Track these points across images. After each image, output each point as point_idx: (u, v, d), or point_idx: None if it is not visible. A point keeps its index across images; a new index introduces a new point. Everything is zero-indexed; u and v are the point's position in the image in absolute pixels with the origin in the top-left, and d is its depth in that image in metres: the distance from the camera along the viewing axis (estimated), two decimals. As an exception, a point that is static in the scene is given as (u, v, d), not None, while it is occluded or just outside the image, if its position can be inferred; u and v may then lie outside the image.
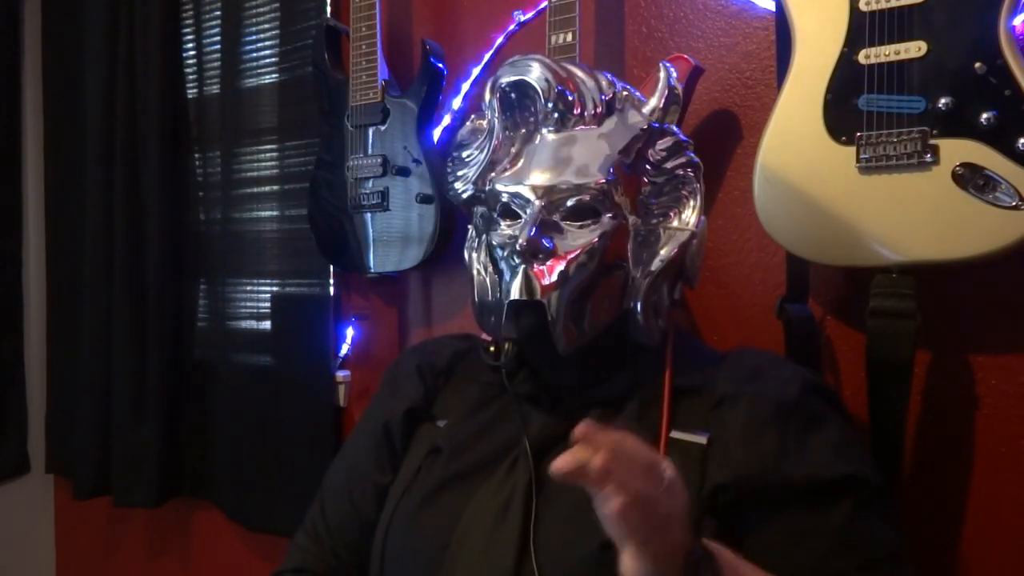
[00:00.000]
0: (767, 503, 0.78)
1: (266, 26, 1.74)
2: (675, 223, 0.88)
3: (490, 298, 0.90)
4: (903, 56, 0.89)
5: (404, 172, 1.38)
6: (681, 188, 0.89)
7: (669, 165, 0.89)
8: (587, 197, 0.84)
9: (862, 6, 0.92)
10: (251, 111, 1.77)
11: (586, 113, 0.87)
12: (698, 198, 0.89)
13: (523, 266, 0.83)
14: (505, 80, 0.88)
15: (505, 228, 0.87)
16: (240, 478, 1.74)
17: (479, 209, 0.94)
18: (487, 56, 1.41)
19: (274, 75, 1.73)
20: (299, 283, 1.72)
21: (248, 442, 1.73)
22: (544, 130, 0.88)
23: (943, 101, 0.87)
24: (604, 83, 0.89)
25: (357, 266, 1.47)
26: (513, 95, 0.88)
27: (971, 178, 0.86)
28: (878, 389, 0.96)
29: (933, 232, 0.88)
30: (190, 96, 1.89)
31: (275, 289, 1.76)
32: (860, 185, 0.92)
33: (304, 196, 1.56)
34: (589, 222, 0.84)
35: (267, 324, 1.77)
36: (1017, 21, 0.88)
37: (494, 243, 0.87)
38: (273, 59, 1.72)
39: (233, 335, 1.82)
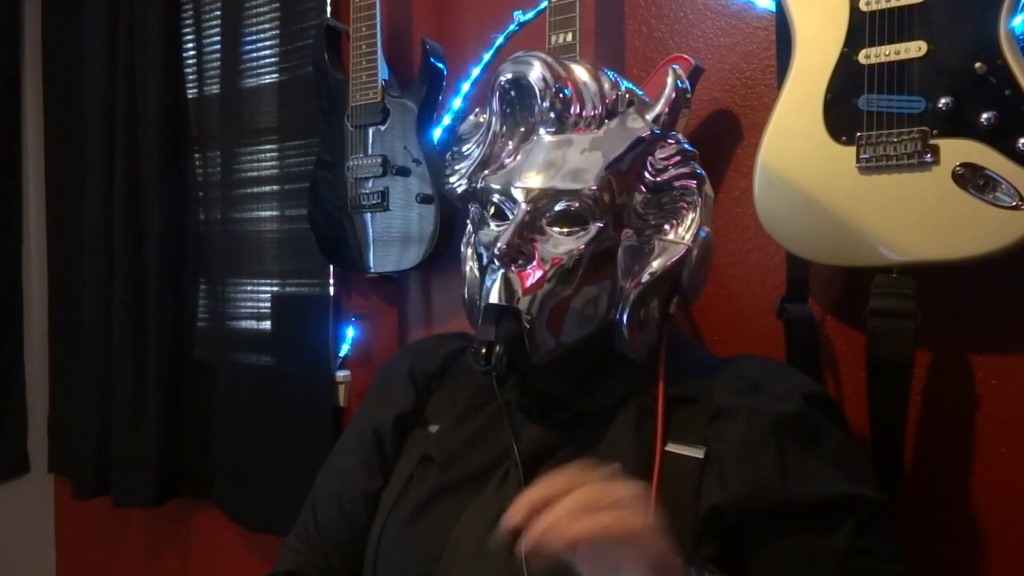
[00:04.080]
0: (767, 525, 0.76)
1: (266, 26, 1.74)
2: (671, 236, 0.84)
3: (475, 298, 0.89)
4: (903, 56, 0.89)
5: (404, 172, 1.38)
6: (680, 200, 0.85)
7: (669, 175, 0.85)
8: (576, 204, 0.81)
9: (862, 6, 0.92)
10: (251, 111, 1.77)
11: (584, 114, 0.84)
12: (698, 211, 0.85)
13: (502, 270, 0.81)
14: (504, 76, 0.86)
15: (493, 228, 0.85)
16: (240, 478, 1.74)
17: (473, 206, 0.92)
18: (487, 56, 1.41)
19: (274, 75, 1.72)
20: (299, 283, 1.72)
21: (248, 442, 1.73)
22: (541, 130, 0.85)
23: (943, 101, 0.87)
24: (607, 84, 0.85)
25: (357, 266, 1.47)
26: (513, 92, 0.86)
27: (971, 178, 0.86)
28: (878, 389, 0.96)
29: (933, 232, 0.88)
30: (190, 96, 1.89)
31: (275, 289, 1.76)
32: (860, 185, 0.92)
33: (304, 196, 1.56)
34: (577, 229, 0.81)
35: (267, 324, 1.77)
36: (1017, 21, 0.88)
37: (481, 242, 0.86)
38: (273, 59, 1.72)
39: (233, 335, 1.82)
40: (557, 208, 0.81)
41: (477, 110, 0.93)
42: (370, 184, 1.41)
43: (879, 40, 0.91)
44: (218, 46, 1.82)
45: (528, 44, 1.35)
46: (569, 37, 1.14)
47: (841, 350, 1.09)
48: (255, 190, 1.78)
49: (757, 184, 0.99)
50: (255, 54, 1.76)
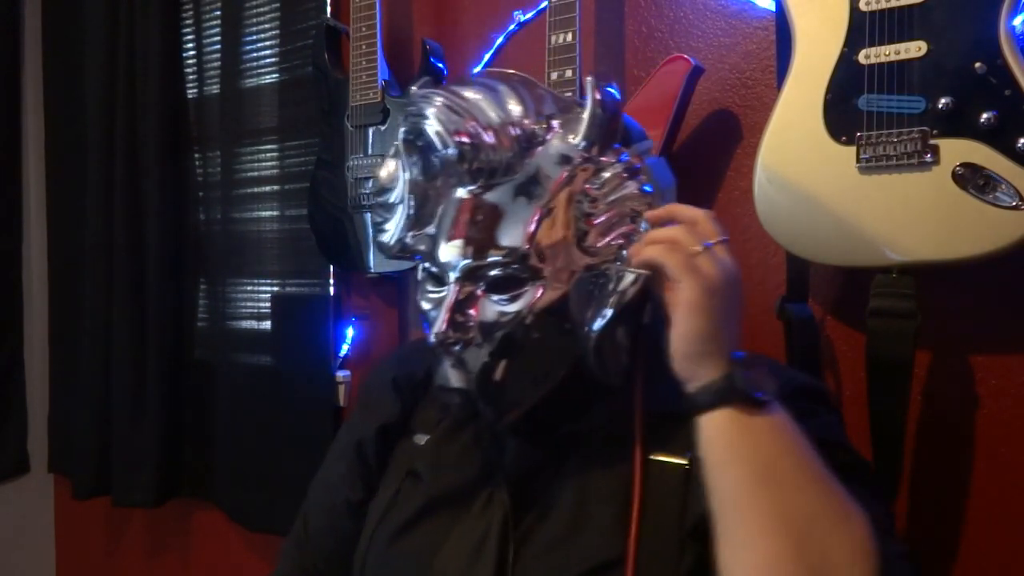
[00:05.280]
0: None
1: (266, 26, 1.74)
2: (627, 264, 0.74)
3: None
4: (903, 56, 0.89)
5: (404, 172, 1.38)
6: (633, 222, 0.74)
7: (614, 198, 0.74)
8: (509, 268, 0.73)
9: (862, 6, 0.92)
10: (251, 111, 1.77)
11: (496, 159, 0.72)
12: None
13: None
14: (404, 128, 0.77)
15: (430, 293, 0.78)
16: (240, 478, 1.74)
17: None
18: (487, 56, 1.41)
19: (274, 75, 1.73)
20: (299, 283, 1.72)
21: (248, 442, 1.73)
22: (458, 187, 0.75)
23: (943, 101, 0.87)
24: (516, 113, 0.73)
25: (357, 266, 1.47)
26: (419, 143, 0.75)
27: (971, 178, 0.86)
28: (878, 389, 0.96)
29: (933, 232, 0.88)
30: (190, 96, 1.90)
31: (275, 289, 1.76)
32: (860, 185, 0.92)
33: (304, 196, 1.56)
34: (515, 292, 0.73)
35: (267, 324, 1.77)
36: (1017, 21, 0.88)
37: (421, 307, 0.79)
38: (273, 59, 1.72)
39: (233, 335, 1.82)
40: (491, 274, 0.74)
41: (392, 154, 0.81)
42: (370, 184, 1.41)
43: (879, 40, 0.91)
44: (218, 46, 1.82)
45: (528, 44, 1.35)
46: (569, 37, 1.14)
47: (841, 350, 1.09)
48: (255, 190, 1.78)
49: (757, 184, 0.99)
50: (255, 54, 1.76)
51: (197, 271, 1.90)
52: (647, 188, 0.75)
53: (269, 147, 1.75)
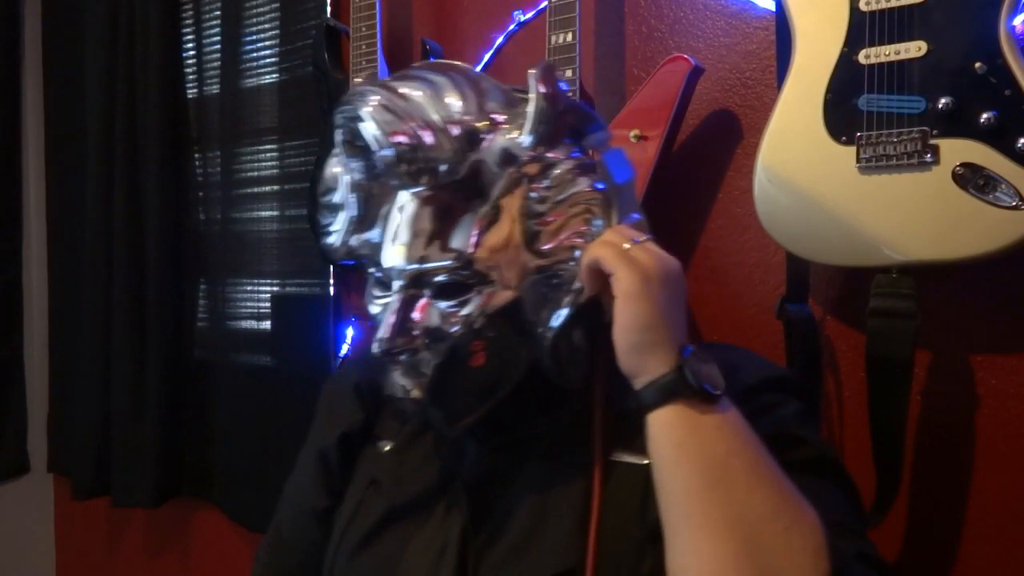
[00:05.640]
0: None
1: (266, 26, 1.74)
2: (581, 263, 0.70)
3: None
4: (903, 56, 0.89)
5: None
6: (588, 217, 0.70)
7: (564, 197, 0.70)
8: (455, 274, 0.69)
9: (862, 6, 0.92)
10: (251, 111, 1.77)
11: (435, 161, 0.69)
12: (612, 222, 0.70)
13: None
14: (339, 128, 0.73)
15: (376, 299, 0.75)
16: (240, 478, 1.74)
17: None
18: (487, 56, 1.41)
19: (274, 75, 1.73)
20: (299, 283, 1.72)
21: (248, 442, 1.73)
22: (400, 189, 0.72)
23: (943, 101, 0.87)
24: (456, 109, 0.69)
25: (357, 266, 1.47)
26: (358, 143, 0.72)
27: (971, 178, 0.86)
28: (878, 389, 0.96)
29: (933, 232, 0.88)
30: (190, 96, 1.90)
31: (275, 289, 1.76)
32: (860, 185, 0.92)
33: (304, 196, 1.56)
34: (463, 297, 0.70)
35: (267, 324, 1.77)
36: (1017, 21, 0.88)
37: (371, 312, 0.76)
38: (273, 59, 1.73)
39: (233, 335, 1.82)
40: (436, 280, 0.70)
41: (336, 151, 0.77)
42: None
43: (879, 40, 0.91)
44: (218, 46, 1.82)
45: (528, 44, 1.35)
46: (569, 37, 1.14)
47: (841, 350, 1.09)
48: (255, 190, 1.78)
49: (757, 184, 0.99)
50: (255, 54, 1.76)
51: (197, 271, 1.90)
52: (599, 185, 0.70)
53: (269, 147, 1.75)
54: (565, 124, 0.71)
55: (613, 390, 0.73)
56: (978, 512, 1.00)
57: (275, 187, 1.74)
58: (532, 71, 0.69)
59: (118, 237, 1.90)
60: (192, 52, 1.89)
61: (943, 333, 1.01)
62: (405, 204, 0.71)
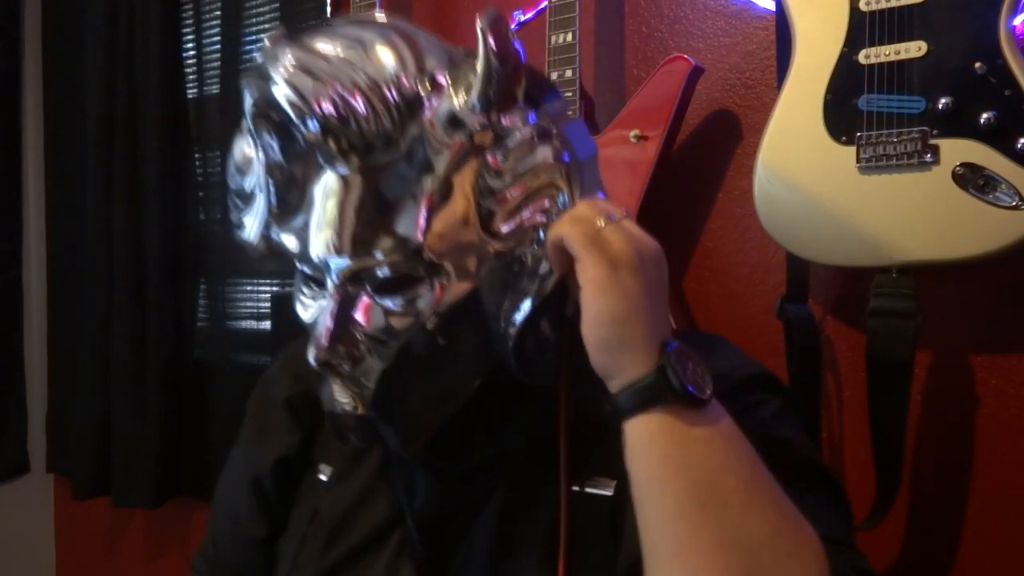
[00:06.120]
0: None
1: (266, 26, 1.74)
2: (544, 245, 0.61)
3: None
4: (903, 56, 0.89)
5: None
6: (552, 193, 0.60)
7: (524, 168, 0.60)
8: (399, 266, 0.60)
9: (862, 6, 0.92)
10: (251, 111, 1.77)
11: (368, 132, 0.57)
12: (575, 199, 0.60)
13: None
14: (249, 99, 0.61)
15: (308, 298, 0.65)
16: (240, 478, 1.74)
17: None
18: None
19: (274, 75, 1.72)
20: (299, 283, 1.72)
21: (248, 442, 1.72)
22: (327, 168, 0.60)
23: (943, 101, 0.87)
24: (390, 69, 0.58)
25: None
26: (272, 116, 0.59)
27: (971, 178, 0.86)
28: (878, 389, 0.96)
29: (933, 232, 0.88)
30: (190, 96, 1.89)
31: (275, 289, 1.76)
32: (860, 185, 0.92)
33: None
34: (411, 293, 0.61)
35: (267, 324, 1.77)
36: (1017, 21, 0.88)
37: (301, 317, 0.67)
38: (273, 59, 1.72)
39: (233, 335, 1.82)
40: (378, 274, 0.60)
41: (247, 135, 0.66)
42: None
43: (879, 40, 0.91)
44: (218, 46, 1.82)
45: (528, 44, 1.34)
46: (569, 37, 1.14)
47: (841, 350, 1.09)
48: (255, 190, 1.78)
49: (757, 184, 0.99)
50: (255, 54, 1.75)
51: (197, 271, 1.89)
52: (566, 157, 0.61)
53: (269, 147, 1.75)
54: (517, 86, 0.60)
55: (580, 393, 0.64)
56: (978, 512, 1.00)
57: (275, 187, 1.73)
58: (480, 23, 0.57)
59: (118, 237, 1.90)
60: (192, 52, 1.89)
61: (943, 333, 1.01)
62: (334, 186, 0.59)
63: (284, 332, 1.73)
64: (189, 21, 1.89)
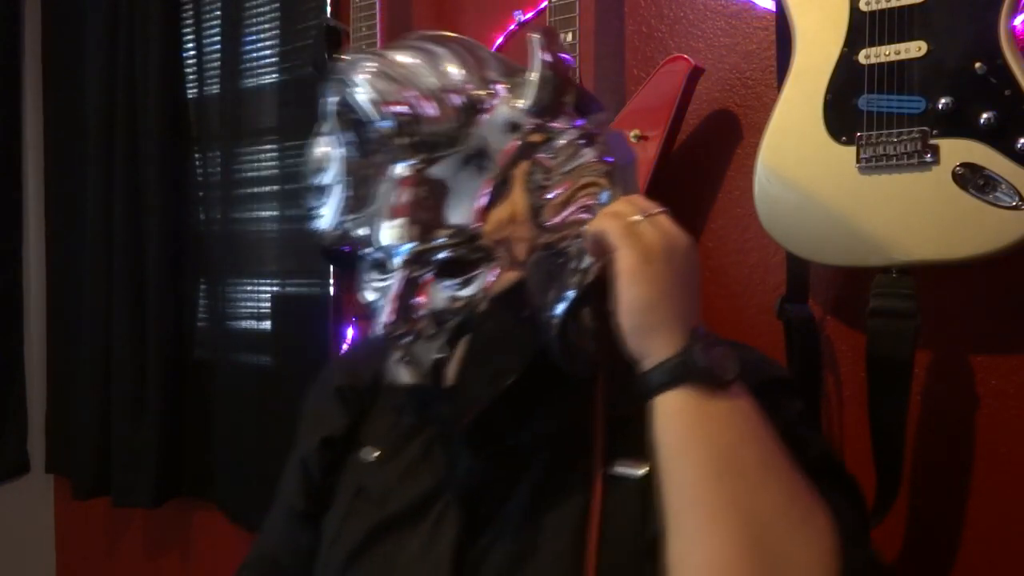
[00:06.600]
0: None
1: (266, 26, 1.74)
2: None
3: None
4: (903, 56, 0.89)
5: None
6: (595, 191, 0.68)
7: (570, 168, 0.68)
8: (458, 250, 0.67)
9: (862, 6, 0.92)
10: (251, 111, 1.77)
11: (438, 131, 0.66)
12: (616, 196, 0.68)
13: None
14: (331, 100, 0.69)
15: (375, 282, 0.71)
16: (240, 478, 1.74)
17: None
18: (487, 56, 1.41)
19: (274, 75, 1.73)
20: (299, 283, 1.72)
21: (248, 442, 1.73)
22: (397, 163, 0.68)
23: (943, 101, 0.87)
24: (457, 78, 0.67)
25: (357, 266, 1.47)
26: (351, 116, 0.69)
27: (971, 178, 0.86)
28: (878, 389, 0.96)
29: (933, 232, 0.88)
30: (190, 96, 1.90)
31: (275, 289, 1.76)
32: (860, 185, 0.92)
33: (304, 196, 1.56)
34: (467, 275, 0.67)
35: (267, 324, 1.77)
36: (1017, 21, 0.88)
37: (367, 298, 0.73)
38: (273, 59, 1.73)
39: (233, 335, 1.82)
40: (438, 257, 0.67)
41: (325, 131, 0.74)
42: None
43: (879, 40, 0.91)
44: (218, 46, 1.82)
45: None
46: (569, 37, 1.14)
47: (841, 350, 1.09)
48: (255, 190, 1.78)
49: (757, 184, 0.99)
50: (255, 54, 1.76)
51: (197, 271, 1.90)
52: (610, 159, 0.68)
53: (269, 147, 1.75)
54: (567, 94, 0.68)
55: (615, 386, 0.70)
56: (978, 512, 1.00)
57: (275, 187, 1.74)
58: (534, 36, 0.66)
59: (118, 237, 1.90)
60: (192, 52, 1.89)
61: (943, 333, 1.01)
62: (403, 178, 0.68)
63: (284, 332, 1.74)
64: (189, 21, 1.89)
